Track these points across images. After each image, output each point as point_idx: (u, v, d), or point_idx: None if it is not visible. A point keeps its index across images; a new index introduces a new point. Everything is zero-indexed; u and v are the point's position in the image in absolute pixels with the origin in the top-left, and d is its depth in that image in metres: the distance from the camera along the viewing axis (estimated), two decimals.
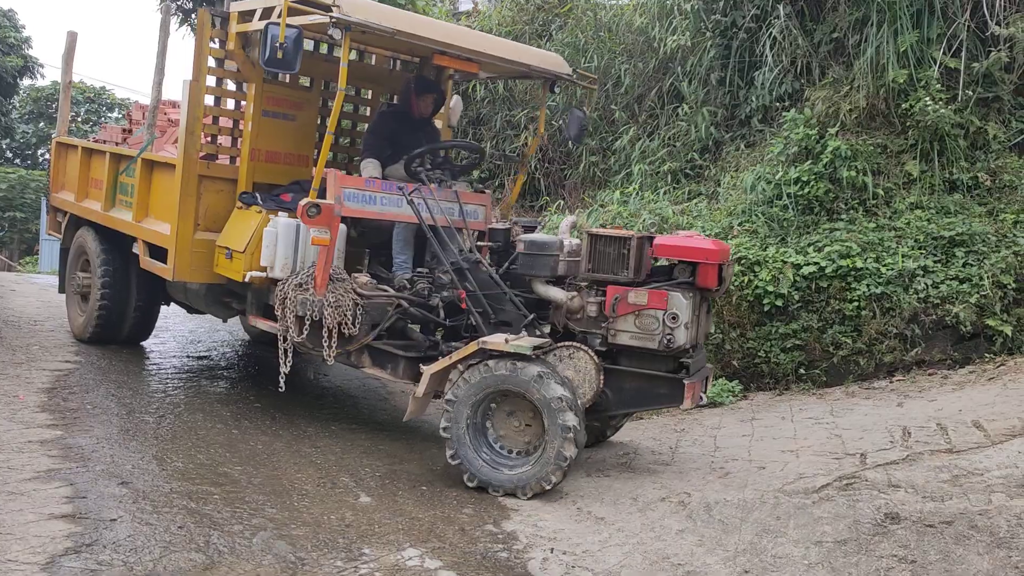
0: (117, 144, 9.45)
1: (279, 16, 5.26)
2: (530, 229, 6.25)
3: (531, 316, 5.58)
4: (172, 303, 7.88)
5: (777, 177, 8.17)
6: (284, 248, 5.75)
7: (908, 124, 8.00)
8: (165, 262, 6.47)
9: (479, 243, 6.16)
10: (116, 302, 7.57)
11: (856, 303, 7.20)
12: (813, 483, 4.86)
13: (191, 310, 8.07)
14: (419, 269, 6.34)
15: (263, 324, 6.11)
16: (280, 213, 5.88)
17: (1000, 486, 4.40)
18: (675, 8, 10.12)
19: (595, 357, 5.26)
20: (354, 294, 5.67)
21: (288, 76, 6.39)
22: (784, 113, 8.63)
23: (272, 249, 5.77)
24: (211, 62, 6.45)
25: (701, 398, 5.42)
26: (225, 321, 8.37)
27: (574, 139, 7.18)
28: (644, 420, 7.07)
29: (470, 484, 5.16)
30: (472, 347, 5.19)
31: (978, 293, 6.96)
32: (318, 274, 5.57)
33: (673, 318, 5.11)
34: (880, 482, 4.71)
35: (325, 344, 5.62)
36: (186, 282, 6.47)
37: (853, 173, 7.86)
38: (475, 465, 5.16)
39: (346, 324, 5.60)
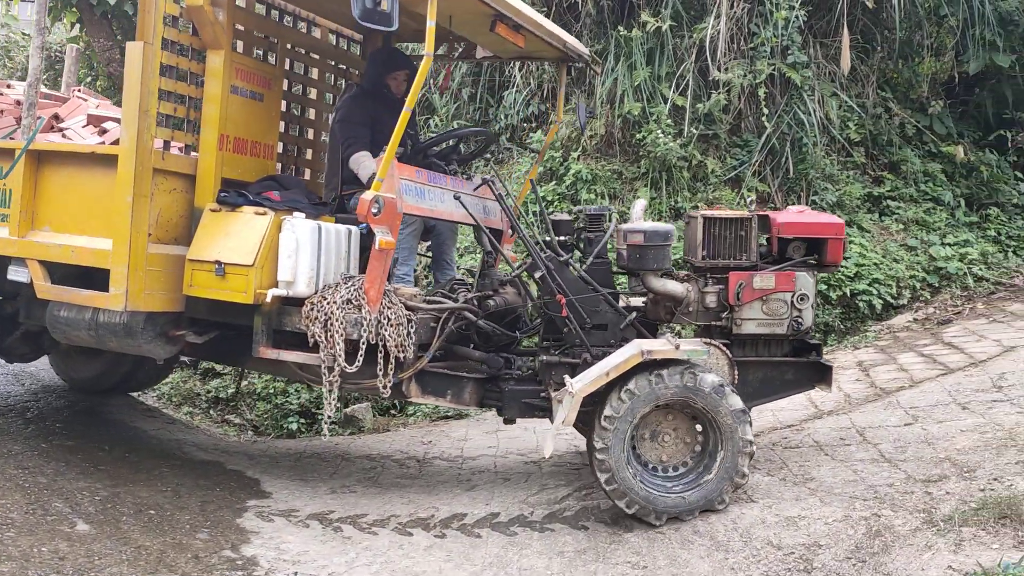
0: None
1: None
2: (597, 218, 5.41)
3: (632, 315, 5.07)
4: None
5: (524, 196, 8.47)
6: (308, 257, 4.74)
7: (641, 154, 8.64)
8: (99, 288, 4.89)
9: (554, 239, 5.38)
10: None
11: None
12: (555, 495, 5.06)
13: (14, 359, 6.54)
14: (457, 277, 5.64)
15: (289, 356, 4.81)
16: (295, 213, 4.86)
17: None
18: None
19: (727, 352, 4.87)
20: (404, 309, 4.78)
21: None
22: (531, 134, 8.99)
23: (293, 259, 4.70)
24: None
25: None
26: (162, 362, 6.29)
27: (583, 126, 7.02)
28: (391, 432, 7.02)
29: (629, 511, 4.49)
30: (635, 357, 4.52)
31: None
32: (370, 286, 4.66)
33: (802, 299, 4.93)
34: None
35: (381, 373, 4.70)
36: (98, 310, 4.98)
37: (593, 196, 8.35)
38: (637, 490, 4.49)
39: (402, 346, 4.72)
